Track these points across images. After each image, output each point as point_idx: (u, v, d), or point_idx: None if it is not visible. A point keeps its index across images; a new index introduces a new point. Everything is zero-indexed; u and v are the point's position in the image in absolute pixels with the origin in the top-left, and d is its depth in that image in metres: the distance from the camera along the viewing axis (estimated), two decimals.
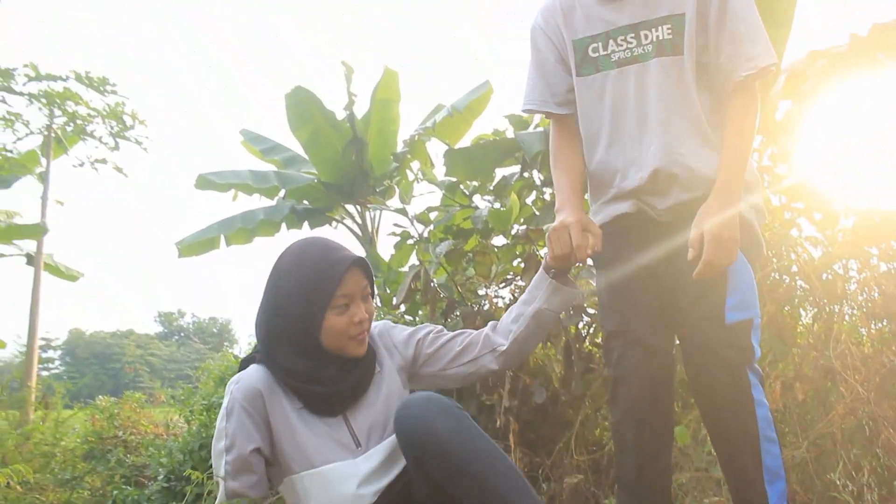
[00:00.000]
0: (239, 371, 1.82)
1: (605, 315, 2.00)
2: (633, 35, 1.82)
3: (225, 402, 1.73)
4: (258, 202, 9.67)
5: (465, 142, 8.82)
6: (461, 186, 4.49)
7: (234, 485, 1.69)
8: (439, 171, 6.82)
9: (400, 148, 9.63)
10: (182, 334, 70.63)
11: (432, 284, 3.41)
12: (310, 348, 1.78)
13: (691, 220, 1.73)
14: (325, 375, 1.78)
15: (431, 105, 9.27)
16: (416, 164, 9.67)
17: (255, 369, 1.78)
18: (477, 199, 4.27)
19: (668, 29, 1.78)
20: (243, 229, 9.12)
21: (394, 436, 1.79)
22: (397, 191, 10.06)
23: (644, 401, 1.87)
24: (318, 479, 1.73)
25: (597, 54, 1.89)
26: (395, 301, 3.40)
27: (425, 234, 3.90)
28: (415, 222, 3.86)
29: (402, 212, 3.90)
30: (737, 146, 1.75)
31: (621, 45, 1.85)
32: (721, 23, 1.74)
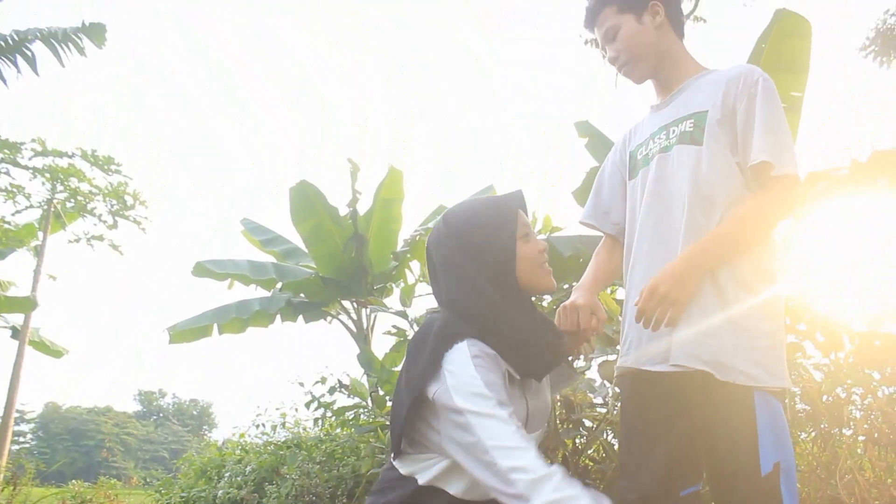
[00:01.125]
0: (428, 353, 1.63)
1: (621, 449, 1.96)
2: (664, 133, 1.94)
3: (456, 362, 1.54)
4: (254, 291, 9.70)
5: None
6: None
7: (504, 412, 1.48)
8: None
9: (400, 247, 9.72)
10: (161, 414, 69.23)
11: None
12: (513, 294, 1.68)
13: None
14: (540, 336, 1.68)
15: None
16: (414, 264, 9.77)
17: (470, 342, 1.59)
18: None
19: (690, 123, 1.87)
20: (237, 319, 9.08)
21: (540, 431, 1.78)
22: (396, 290, 10.11)
23: None
24: None
25: (641, 156, 2.01)
26: (391, 404, 3.36)
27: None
28: (414, 325, 3.85)
29: (403, 314, 3.90)
30: (729, 228, 1.76)
31: (656, 143, 1.96)
32: (745, 125, 1.80)
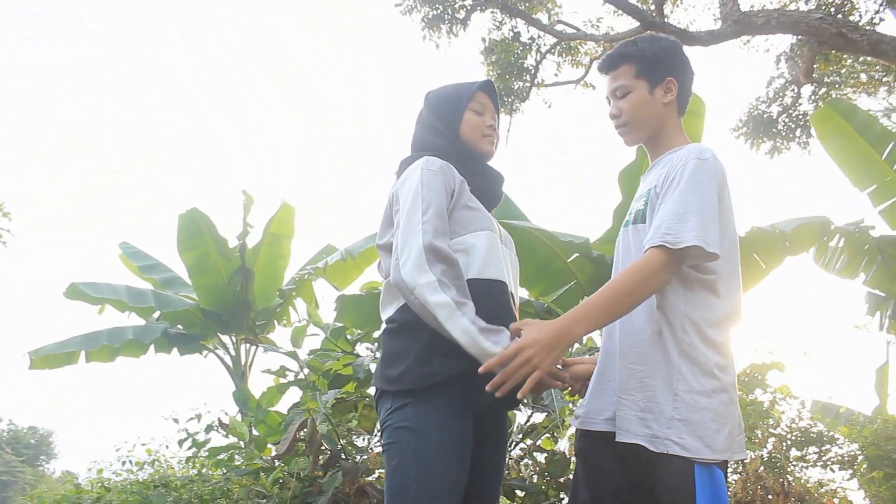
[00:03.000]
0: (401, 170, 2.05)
1: None
2: (631, 208, 2.02)
3: (416, 177, 1.92)
4: (127, 318, 9.21)
5: (354, 288, 8.88)
6: (346, 333, 4.56)
7: (437, 244, 1.82)
8: (321, 313, 6.80)
9: (286, 284, 9.56)
10: None
11: (318, 435, 3.33)
12: (456, 141, 2.08)
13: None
14: (477, 173, 2.08)
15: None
16: (299, 303, 9.61)
17: (425, 159, 1.98)
18: (360, 347, 4.29)
19: (643, 201, 1.94)
20: (108, 347, 8.61)
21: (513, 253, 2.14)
22: (278, 327, 9.91)
23: None
24: (491, 239, 1.96)
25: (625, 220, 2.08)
26: (277, 451, 3.27)
27: (301, 377, 3.86)
28: (305, 367, 3.79)
29: (293, 355, 3.83)
30: (599, 294, 1.78)
31: (625, 217, 2.04)
32: (661, 201, 1.85)
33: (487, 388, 1.71)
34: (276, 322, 9.85)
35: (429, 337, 1.81)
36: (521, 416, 3.36)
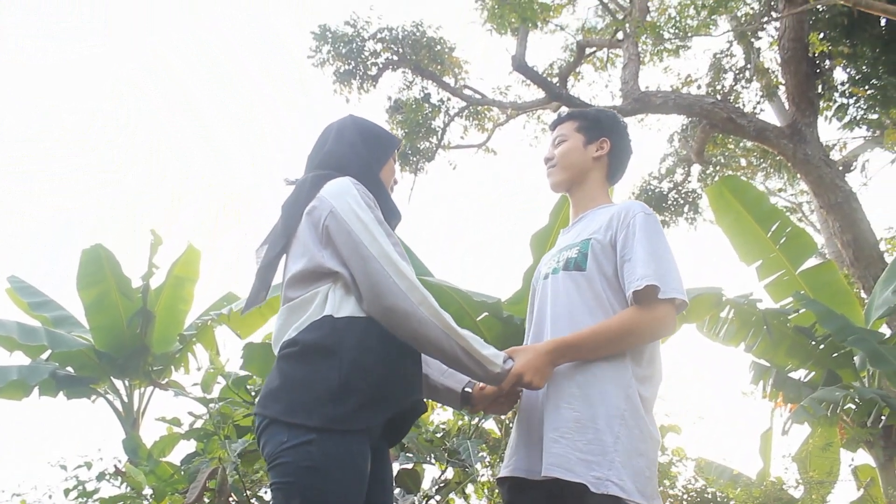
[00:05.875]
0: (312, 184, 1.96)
1: None
2: (557, 257, 2.15)
3: (357, 197, 1.88)
4: (8, 358, 8.64)
5: (258, 337, 8.73)
6: (247, 383, 4.52)
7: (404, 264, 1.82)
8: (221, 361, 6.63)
9: (187, 329, 9.27)
10: None
11: (227, 485, 3.27)
12: (376, 177, 2.07)
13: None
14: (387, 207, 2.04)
15: None
16: (199, 349, 9.33)
17: (350, 178, 1.94)
18: None
19: (576, 250, 2.08)
20: None
21: None
22: (174, 373, 9.56)
23: None
24: None
25: (542, 271, 2.21)
26: (186, 500, 3.19)
27: (197, 425, 3.80)
28: (215, 416, 3.72)
29: (204, 401, 3.76)
30: (599, 332, 1.92)
31: (549, 265, 2.17)
32: (623, 251, 1.99)
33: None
34: (173, 368, 9.50)
35: (344, 370, 1.72)
36: (434, 471, 3.39)
